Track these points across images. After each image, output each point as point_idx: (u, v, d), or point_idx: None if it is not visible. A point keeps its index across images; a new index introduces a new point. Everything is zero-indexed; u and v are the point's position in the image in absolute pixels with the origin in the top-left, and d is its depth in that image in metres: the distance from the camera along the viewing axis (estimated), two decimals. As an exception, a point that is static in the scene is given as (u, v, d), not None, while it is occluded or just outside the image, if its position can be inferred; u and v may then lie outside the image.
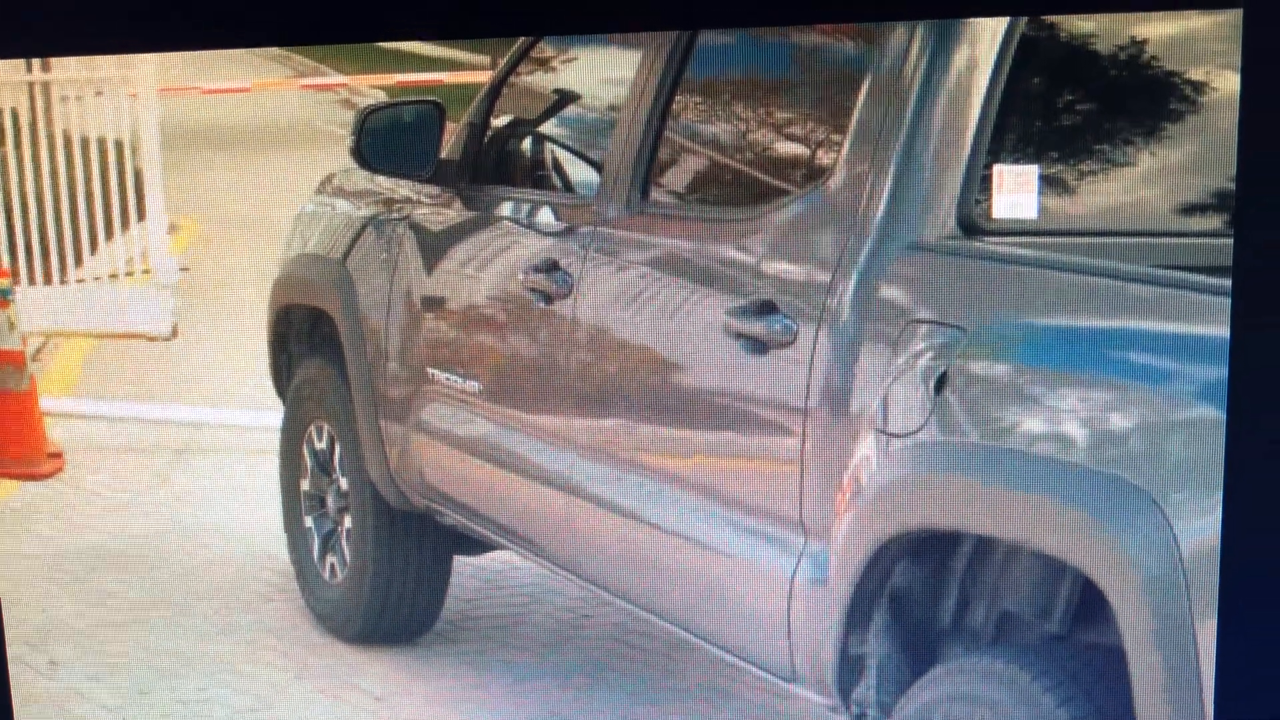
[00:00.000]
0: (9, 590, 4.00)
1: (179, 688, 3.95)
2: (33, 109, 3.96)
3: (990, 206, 2.83)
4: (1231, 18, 2.77)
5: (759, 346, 3.02)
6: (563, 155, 3.79)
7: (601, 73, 3.60)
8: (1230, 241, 2.80)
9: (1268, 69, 2.80)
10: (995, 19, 2.82)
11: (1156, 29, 2.78)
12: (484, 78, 3.83)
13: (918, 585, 2.91)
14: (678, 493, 3.23)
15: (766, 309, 3.01)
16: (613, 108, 3.50)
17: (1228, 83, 2.78)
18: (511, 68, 3.81)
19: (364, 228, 4.04)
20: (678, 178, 3.40)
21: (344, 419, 4.10)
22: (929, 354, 2.77)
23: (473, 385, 3.70)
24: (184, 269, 4.11)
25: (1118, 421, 2.57)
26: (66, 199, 4.05)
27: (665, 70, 3.33)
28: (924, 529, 2.82)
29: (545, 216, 3.64)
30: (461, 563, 4.24)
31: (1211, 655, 2.52)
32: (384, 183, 4.05)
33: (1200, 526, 2.53)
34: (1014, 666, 2.75)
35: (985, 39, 2.82)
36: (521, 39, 3.73)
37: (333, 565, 4.22)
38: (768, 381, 3.01)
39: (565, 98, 3.76)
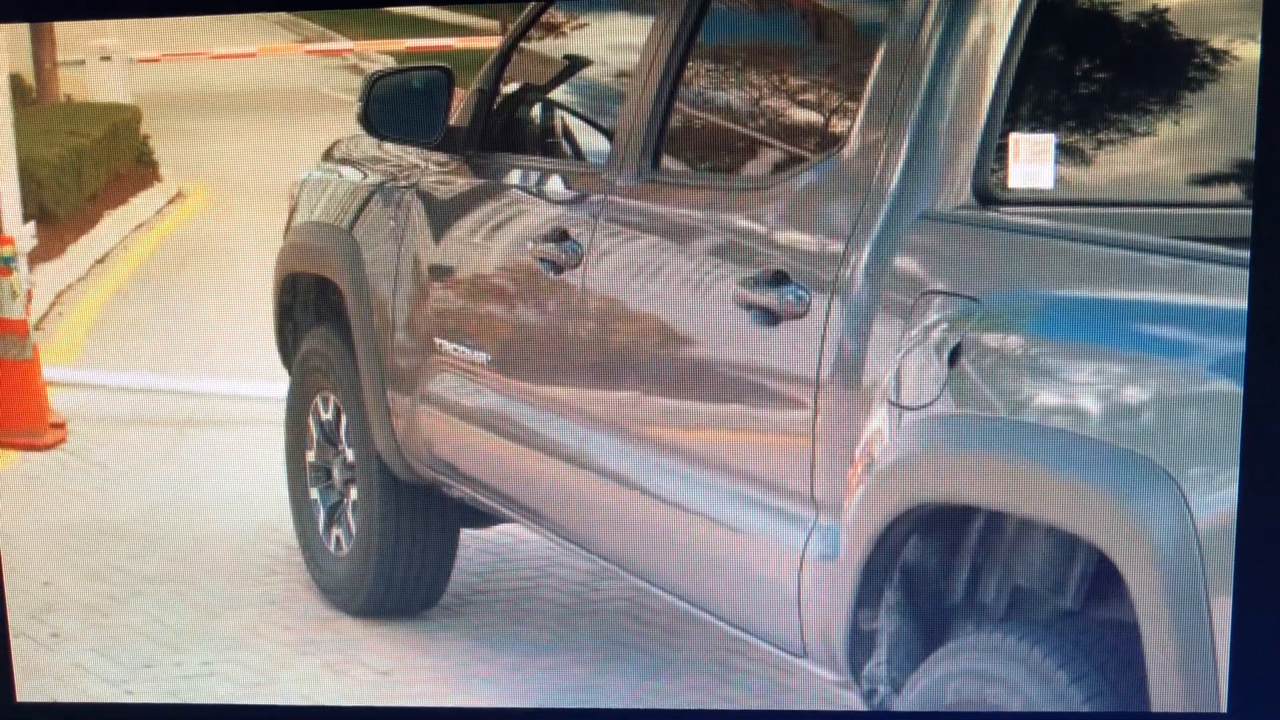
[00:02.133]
0: (11, 562, 3.98)
1: (183, 661, 3.94)
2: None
3: (1006, 176, 2.81)
4: (1252, -15, 2.75)
5: (771, 317, 2.99)
6: (573, 122, 3.78)
7: (612, 38, 3.58)
8: (1249, 212, 2.78)
9: (1289, 37, 2.77)
10: (1013, -16, 2.79)
11: (1176, -4, 2.75)
12: (493, 43, 3.81)
13: (930, 560, 2.89)
14: (687, 466, 3.22)
15: (779, 279, 2.98)
16: (623, 74, 3.48)
17: (1248, 51, 2.75)
18: (521, 33, 3.79)
19: (371, 195, 4.02)
20: (689, 145, 3.38)
21: (350, 390, 4.09)
22: (943, 325, 2.74)
23: (481, 356, 3.68)
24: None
25: (1134, 395, 2.54)
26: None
27: (677, 36, 3.31)
28: (936, 503, 2.80)
29: (555, 185, 3.62)
30: (469, 536, 4.24)
31: (1226, 631, 2.49)
32: (392, 150, 4.03)
33: (1216, 501, 2.50)
34: (1026, 643, 2.73)
35: (1002, 5, 2.79)
36: (532, 4, 3.71)
37: (338, 538, 4.21)
38: (779, 353, 2.98)
39: (575, 64, 3.74)
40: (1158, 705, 2.53)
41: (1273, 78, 2.76)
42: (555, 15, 3.72)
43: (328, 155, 4.26)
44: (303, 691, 3.83)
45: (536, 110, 3.86)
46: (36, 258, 4.33)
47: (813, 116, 3.12)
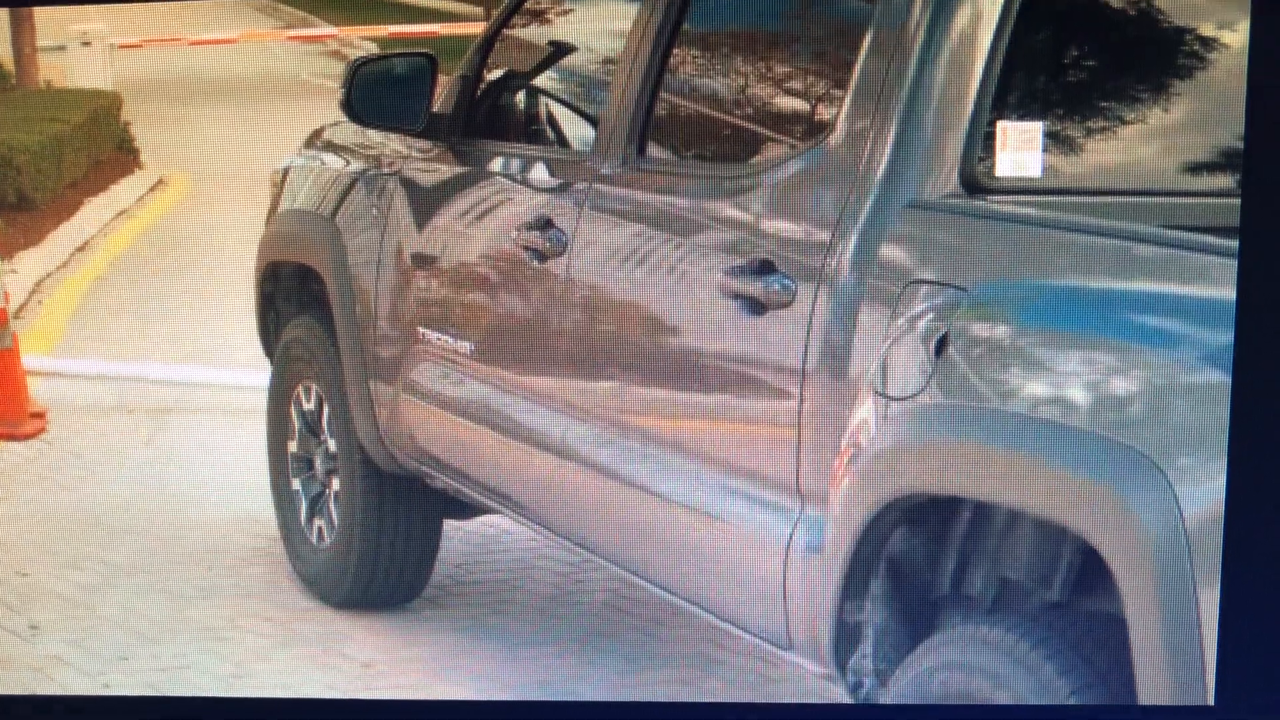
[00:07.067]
0: (-11, 554, 3.97)
1: (160, 653, 3.92)
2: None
3: (994, 164, 2.79)
4: (1241, -29, 2.74)
5: (757, 307, 2.97)
6: (558, 109, 3.76)
7: (598, 24, 3.57)
8: (1238, 201, 2.76)
9: (1277, 24, 2.75)
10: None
11: (1164, -18, 2.74)
12: (477, 29, 3.80)
13: (916, 552, 2.87)
14: (672, 456, 3.20)
15: (765, 268, 2.96)
16: (609, 61, 3.46)
17: (1236, 38, 2.74)
18: (506, 19, 3.78)
19: (354, 183, 4.00)
20: (675, 133, 3.36)
21: (332, 379, 4.07)
22: (930, 315, 2.73)
23: (464, 345, 3.66)
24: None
25: (1121, 385, 2.52)
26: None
27: (663, 22, 3.29)
28: (923, 494, 2.78)
29: (539, 172, 3.61)
30: (451, 527, 4.22)
31: (1214, 623, 2.47)
32: (374, 137, 4.02)
33: (1204, 492, 2.49)
34: (1013, 635, 2.71)
35: (990, -8, 2.78)
36: (516, -11, 3.70)
37: (320, 529, 4.19)
38: (765, 343, 2.97)
39: (560, 50, 3.72)
40: (1145, 698, 2.52)
41: (1261, 65, 2.74)
42: (540, 1, 3.70)
43: (310, 142, 4.25)
44: (284, 683, 3.82)
45: (521, 97, 3.84)
46: (14, 246, 4.30)
47: (799, 104, 3.11)
